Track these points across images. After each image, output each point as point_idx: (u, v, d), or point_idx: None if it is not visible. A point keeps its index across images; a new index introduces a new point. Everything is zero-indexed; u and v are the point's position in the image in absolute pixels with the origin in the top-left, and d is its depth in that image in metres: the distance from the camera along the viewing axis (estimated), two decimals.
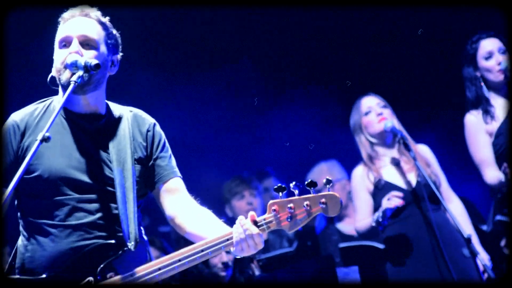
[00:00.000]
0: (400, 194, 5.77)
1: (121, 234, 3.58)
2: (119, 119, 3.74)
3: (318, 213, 3.45)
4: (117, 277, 3.50)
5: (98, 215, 3.57)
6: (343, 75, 8.33)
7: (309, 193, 3.45)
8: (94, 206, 3.58)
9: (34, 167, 3.55)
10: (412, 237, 5.87)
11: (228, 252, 6.21)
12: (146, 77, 7.89)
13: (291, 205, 3.44)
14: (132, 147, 3.69)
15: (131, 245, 3.56)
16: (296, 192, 3.46)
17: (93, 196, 3.58)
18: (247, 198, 7.41)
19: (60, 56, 3.63)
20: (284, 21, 8.36)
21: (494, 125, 6.04)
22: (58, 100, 3.70)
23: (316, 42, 8.50)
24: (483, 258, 5.64)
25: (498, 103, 6.10)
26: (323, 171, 7.58)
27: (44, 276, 3.50)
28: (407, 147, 5.92)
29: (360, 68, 8.39)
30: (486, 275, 5.65)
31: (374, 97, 6.16)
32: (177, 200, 3.76)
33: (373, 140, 6.11)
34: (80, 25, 3.67)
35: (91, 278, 3.49)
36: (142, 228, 3.74)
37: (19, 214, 3.66)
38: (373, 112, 6.08)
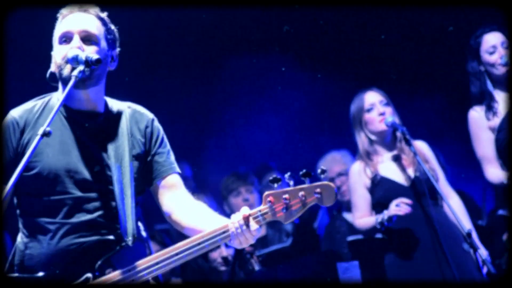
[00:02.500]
0: (409, 201, 5.76)
1: (119, 230, 3.59)
2: (117, 115, 3.74)
3: (313, 203, 3.44)
4: (116, 272, 3.51)
5: (97, 213, 3.58)
6: (347, 67, 8.31)
7: (304, 183, 3.45)
8: (93, 204, 3.58)
9: (33, 165, 3.55)
10: (411, 231, 5.87)
11: (227, 246, 6.25)
12: (144, 74, 7.89)
13: (286, 196, 3.44)
14: (130, 143, 3.69)
15: (128, 240, 3.57)
16: (291, 183, 3.46)
17: (92, 194, 3.59)
18: (243, 194, 7.40)
19: (60, 52, 3.63)
20: (283, 14, 8.34)
21: (496, 121, 6.05)
22: (57, 97, 3.70)
23: (319, 34, 8.48)
24: (483, 253, 5.65)
25: (501, 98, 6.10)
26: (336, 160, 7.51)
27: (42, 274, 3.51)
28: (408, 142, 5.90)
29: (364, 61, 8.37)
30: (485, 270, 5.64)
31: (376, 93, 6.12)
32: (174, 196, 3.76)
33: (373, 137, 6.09)
34: (80, 21, 3.67)
35: (89, 275, 3.50)
36: (141, 224, 3.75)
37: (18, 211, 3.67)
38: (376, 110, 6.05)
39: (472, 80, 6.19)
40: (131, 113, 3.78)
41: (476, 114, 6.12)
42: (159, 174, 3.76)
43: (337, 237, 7.20)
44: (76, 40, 3.62)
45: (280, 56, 8.40)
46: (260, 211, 3.48)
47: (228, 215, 7.47)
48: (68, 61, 3.56)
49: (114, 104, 3.79)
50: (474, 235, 5.64)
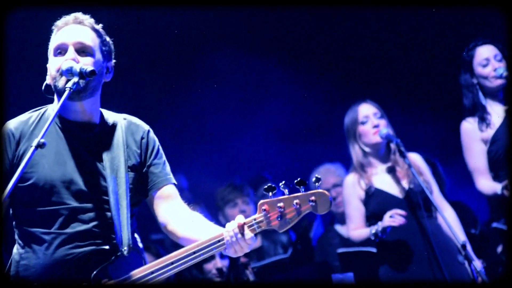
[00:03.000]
0: (403, 212, 5.77)
1: (115, 240, 3.59)
2: (113, 127, 3.74)
3: (308, 211, 3.45)
4: (111, 282, 3.51)
5: (93, 223, 3.58)
6: (341, 77, 8.32)
7: (299, 192, 3.45)
8: (89, 215, 3.58)
9: (29, 175, 3.55)
10: (406, 243, 5.87)
11: (222, 257, 6.23)
12: (138, 84, 7.88)
13: (281, 204, 3.45)
14: (126, 154, 3.69)
15: (124, 250, 3.57)
16: (286, 191, 3.46)
17: (88, 204, 3.59)
18: (240, 206, 7.40)
19: (55, 64, 3.63)
20: (279, 16, 8.34)
21: (490, 132, 6.06)
22: (52, 108, 3.70)
23: (313, 43, 8.48)
24: (478, 264, 5.65)
25: (494, 110, 6.12)
26: (331, 171, 7.53)
27: (36, 285, 3.51)
28: (402, 154, 5.92)
29: (358, 70, 8.37)
30: (480, 281, 5.64)
31: (371, 106, 6.14)
32: (170, 207, 3.75)
33: (367, 149, 6.10)
34: (75, 33, 3.67)
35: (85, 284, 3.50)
36: (137, 235, 3.74)
37: (14, 222, 3.66)
38: (370, 123, 6.06)
39: (465, 92, 6.21)
40: (126, 124, 3.78)
41: (469, 125, 6.13)
42: (155, 185, 3.76)
43: (329, 249, 7.20)
44: (71, 51, 3.62)
45: (274, 67, 8.40)
46: (255, 219, 3.48)
47: (224, 226, 7.43)
48: (62, 73, 3.57)
49: (110, 116, 3.79)
50: (469, 247, 5.65)
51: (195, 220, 3.70)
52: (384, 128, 6.00)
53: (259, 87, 8.53)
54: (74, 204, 3.57)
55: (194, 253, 3.49)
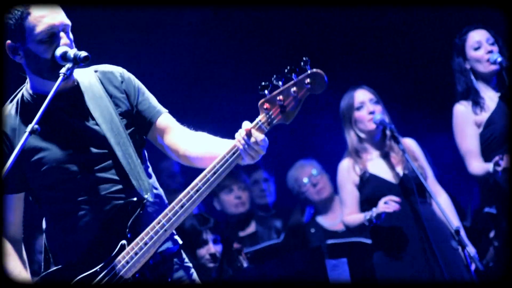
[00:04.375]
0: (398, 199, 5.78)
1: (136, 190, 3.60)
2: (89, 83, 3.69)
3: (307, 95, 3.43)
4: (148, 228, 3.54)
5: (112, 181, 3.60)
6: (336, 65, 8.30)
7: (292, 80, 3.44)
8: (105, 175, 3.60)
9: (42, 161, 3.56)
10: (400, 229, 5.89)
11: (214, 242, 6.23)
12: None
13: (279, 97, 3.44)
14: (113, 104, 3.67)
15: (148, 196, 3.60)
16: (280, 83, 3.45)
17: (100, 165, 3.60)
18: (236, 192, 7.41)
19: (46, 47, 3.54)
20: (273, 14, 8.33)
21: (484, 116, 6.06)
22: (26, 88, 3.67)
23: (308, 35, 8.47)
24: (471, 250, 5.67)
25: (487, 95, 6.12)
26: (306, 164, 7.61)
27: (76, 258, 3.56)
28: (396, 140, 5.92)
29: (353, 61, 8.37)
30: (474, 267, 5.67)
31: (366, 91, 6.12)
32: (173, 135, 3.74)
33: (362, 135, 6.10)
34: (59, 14, 3.59)
35: (124, 242, 3.54)
36: (154, 177, 3.76)
37: (43, 209, 3.69)
38: (365, 109, 6.05)
39: (458, 76, 6.20)
40: (101, 75, 3.73)
41: (463, 108, 6.12)
42: (149, 121, 3.74)
43: (312, 241, 7.21)
44: (64, 36, 3.56)
45: (270, 55, 8.38)
46: (260, 120, 3.47)
47: (218, 212, 7.39)
48: (56, 58, 3.51)
49: (81, 74, 3.72)
50: (462, 233, 5.67)
51: (203, 139, 3.70)
52: (378, 114, 6.00)
53: (251, 75, 8.50)
54: (89, 171, 3.58)
55: (214, 173, 3.48)
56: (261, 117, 3.47)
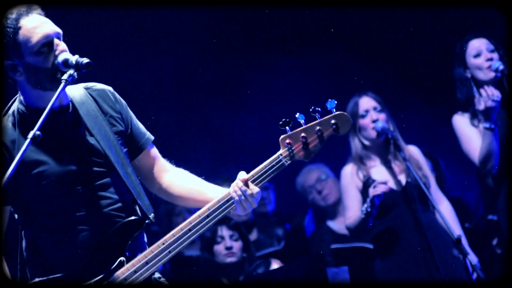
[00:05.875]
0: (385, 180, 5.80)
1: (139, 208, 3.64)
2: (82, 101, 3.67)
3: (330, 135, 3.52)
4: (143, 253, 3.55)
5: (111, 198, 3.59)
6: (340, 72, 8.31)
7: (315, 120, 3.53)
8: (104, 192, 3.59)
9: (41, 176, 3.53)
10: (401, 237, 5.89)
11: (231, 237, 6.21)
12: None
13: (303, 134, 3.52)
14: (108, 122, 3.66)
15: (152, 216, 3.64)
16: (302, 121, 3.53)
17: (100, 182, 3.59)
18: None
19: (45, 57, 3.51)
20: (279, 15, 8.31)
21: (481, 128, 6.03)
22: (19, 100, 3.63)
23: (311, 36, 8.46)
24: (473, 259, 5.66)
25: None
26: (313, 169, 7.64)
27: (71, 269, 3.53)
28: (398, 148, 5.92)
29: (358, 65, 8.36)
30: (475, 275, 5.65)
31: (371, 99, 6.13)
32: (158, 167, 3.81)
33: (366, 142, 6.10)
34: (50, 23, 3.57)
35: (122, 258, 3.53)
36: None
37: (33, 222, 3.62)
38: (369, 117, 6.06)
39: (458, 86, 6.19)
40: (94, 93, 3.71)
41: (462, 118, 6.11)
42: (140, 147, 3.77)
43: (322, 245, 7.21)
44: (61, 43, 3.54)
45: (275, 57, 8.37)
46: (281, 154, 3.54)
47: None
48: (58, 65, 3.48)
49: (72, 91, 3.69)
50: (464, 241, 5.65)
51: (186, 178, 3.77)
52: (380, 122, 6.00)
53: (260, 80, 8.49)
54: (90, 185, 3.56)
55: (207, 216, 3.55)
56: (283, 151, 3.54)
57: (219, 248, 6.27)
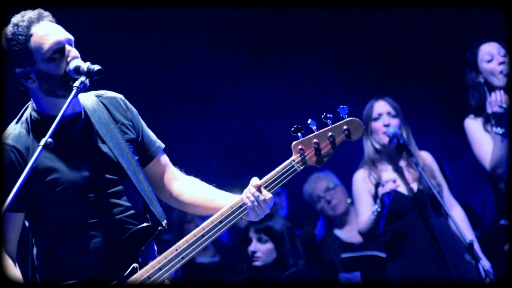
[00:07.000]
0: (394, 178, 5.82)
1: (152, 215, 3.66)
2: (93, 108, 3.68)
3: (343, 141, 3.54)
4: (153, 262, 3.56)
5: (124, 206, 3.61)
6: (352, 77, 8.30)
7: (327, 126, 3.55)
8: (117, 199, 3.60)
9: (54, 183, 3.54)
10: (413, 242, 5.87)
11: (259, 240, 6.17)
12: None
13: (315, 140, 3.55)
14: (119, 130, 3.68)
15: (164, 223, 3.65)
16: (314, 128, 3.56)
17: (113, 189, 3.60)
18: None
19: (57, 64, 3.52)
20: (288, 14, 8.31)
21: (493, 133, 6.00)
22: (32, 107, 3.64)
23: (322, 39, 8.46)
24: (485, 264, 5.63)
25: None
26: (321, 177, 7.63)
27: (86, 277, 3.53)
28: (409, 153, 5.90)
29: (371, 71, 8.36)
30: (488, 281, 5.62)
31: (386, 104, 6.12)
32: (169, 175, 3.82)
33: (378, 146, 6.09)
34: (61, 29, 3.59)
35: (136, 265, 3.55)
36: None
37: (45, 229, 3.63)
38: (381, 121, 6.05)
39: (471, 92, 6.15)
40: (105, 101, 3.73)
41: (474, 122, 6.08)
42: (151, 155, 3.79)
43: (329, 254, 7.18)
44: (73, 50, 3.55)
45: (288, 62, 8.37)
46: (293, 160, 3.56)
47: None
48: (70, 72, 3.49)
49: (84, 99, 3.70)
50: (476, 246, 5.63)
51: (197, 186, 3.79)
52: (392, 127, 5.98)
53: (271, 86, 8.50)
54: (103, 193, 3.58)
55: (220, 222, 3.56)
56: (295, 157, 3.56)
57: (249, 249, 6.16)
